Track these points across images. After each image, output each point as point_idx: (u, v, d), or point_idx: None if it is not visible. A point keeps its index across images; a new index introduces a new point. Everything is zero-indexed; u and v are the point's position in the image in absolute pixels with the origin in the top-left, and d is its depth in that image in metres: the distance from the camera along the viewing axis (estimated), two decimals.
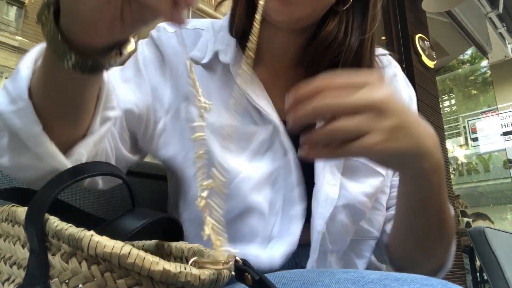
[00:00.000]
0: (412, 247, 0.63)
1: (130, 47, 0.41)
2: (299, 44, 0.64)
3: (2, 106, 0.42)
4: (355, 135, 0.42)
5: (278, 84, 0.65)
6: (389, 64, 0.73)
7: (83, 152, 0.46)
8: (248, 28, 0.48)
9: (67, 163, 0.44)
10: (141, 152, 0.67)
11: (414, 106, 0.73)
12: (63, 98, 0.43)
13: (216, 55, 0.64)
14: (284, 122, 0.62)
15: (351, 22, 0.60)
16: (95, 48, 0.38)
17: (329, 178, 0.60)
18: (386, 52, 0.72)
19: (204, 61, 0.64)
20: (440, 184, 0.51)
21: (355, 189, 0.61)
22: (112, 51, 0.40)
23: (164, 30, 0.67)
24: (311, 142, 0.44)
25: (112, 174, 0.42)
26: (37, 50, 0.44)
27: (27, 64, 0.43)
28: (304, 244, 0.60)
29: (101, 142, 0.50)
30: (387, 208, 0.70)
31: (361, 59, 0.61)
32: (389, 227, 0.68)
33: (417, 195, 0.53)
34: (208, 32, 0.67)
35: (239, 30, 0.62)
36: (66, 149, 0.45)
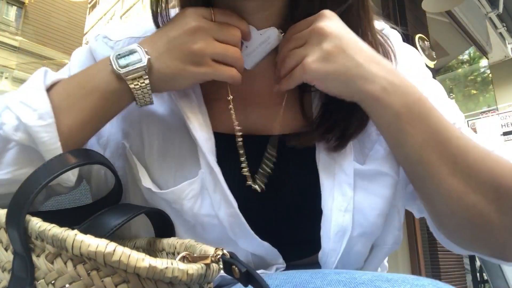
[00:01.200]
0: (454, 221, 0.51)
1: None
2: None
3: (30, 121, 0.44)
4: (300, 60, 0.49)
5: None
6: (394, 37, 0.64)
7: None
8: None
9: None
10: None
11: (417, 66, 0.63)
12: (96, 123, 0.49)
13: None
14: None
15: None
16: None
17: (339, 202, 0.51)
18: (384, 25, 0.64)
19: None
20: (412, 110, 0.47)
21: (371, 211, 0.52)
22: None
23: (102, 40, 0.58)
24: (277, 76, 0.53)
25: (98, 162, 0.41)
26: (42, 75, 0.48)
27: (39, 86, 0.47)
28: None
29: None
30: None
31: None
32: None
33: (393, 130, 0.48)
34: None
35: None
36: None
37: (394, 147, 0.51)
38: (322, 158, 0.53)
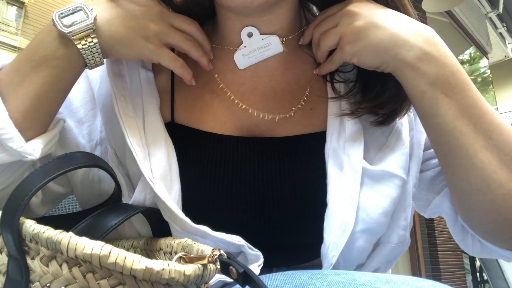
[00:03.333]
0: (479, 202, 0.49)
1: None
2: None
3: None
4: (335, 40, 0.52)
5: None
6: None
7: (40, 142, 0.47)
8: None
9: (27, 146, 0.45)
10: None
11: None
12: (43, 94, 0.46)
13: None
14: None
15: None
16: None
17: (345, 196, 0.51)
18: None
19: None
20: (448, 81, 0.47)
21: (375, 209, 0.52)
22: None
23: None
24: (318, 61, 0.57)
25: (95, 165, 0.40)
26: None
27: None
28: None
29: (53, 141, 0.51)
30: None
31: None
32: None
33: (427, 99, 0.48)
34: None
35: None
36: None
37: (427, 117, 0.50)
38: (332, 150, 0.54)
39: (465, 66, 6.83)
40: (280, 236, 0.53)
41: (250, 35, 0.55)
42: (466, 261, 2.91)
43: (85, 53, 0.46)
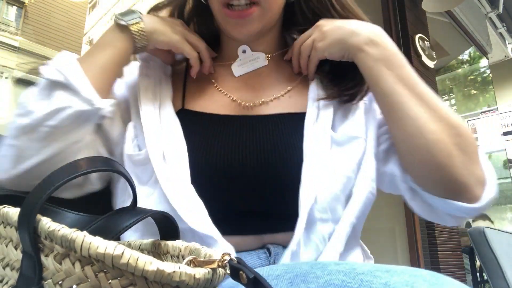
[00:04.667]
0: (417, 149, 0.62)
1: None
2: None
3: (58, 66, 0.62)
4: (311, 46, 0.73)
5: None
6: None
7: (109, 101, 0.64)
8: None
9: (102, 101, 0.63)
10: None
11: None
12: (107, 69, 0.66)
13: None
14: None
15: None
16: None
17: (319, 151, 0.65)
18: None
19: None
20: (389, 59, 0.66)
21: (342, 159, 0.66)
22: None
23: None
24: (301, 68, 0.77)
25: (111, 170, 0.41)
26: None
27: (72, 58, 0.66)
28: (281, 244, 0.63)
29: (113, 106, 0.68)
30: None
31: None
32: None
33: (374, 71, 0.66)
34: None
35: None
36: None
37: (374, 85, 0.67)
38: (309, 124, 0.68)
39: (465, 66, 6.83)
40: (264, 190, 0.64)
41: (244, 51, 0.77)
42: (466, 261, 2.91)
43: (135, 36, 0.67)
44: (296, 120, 0.70)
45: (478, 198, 0.61)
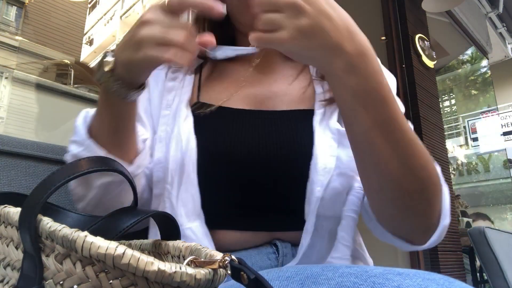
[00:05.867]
0: (383, 199, 0.58)
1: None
2: None
3: (76, 151, 0.61)
4: (272, 28, 0.48)
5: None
6: None
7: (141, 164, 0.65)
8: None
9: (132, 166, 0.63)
10: None
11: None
12: (115, 128, 0.60)
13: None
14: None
15: None
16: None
17: (327, 150, 0.64)
18: None
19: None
20: (368, 95, 0.50)
21: (347, 158, 0.64)
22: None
23: None
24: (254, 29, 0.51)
25: (111, 170, 0.41)
26: (82, 114, 0.64)
27: (80, 121, 0.63)
28: (290, 242, 0.65)
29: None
30: None
31: None
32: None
33: (347, 107, 0.52)
34: None
35: None
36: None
37: (345, 122, 0.56)
38: (318, 119, 0.68)
39: (465, 66, 6.83)
40: (273, 183, 0.64)
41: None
42: (466, 261, 2.91)
43: (107, 87, 0.55)
44: (306, 115, 0.70)
45: (424, 243, 0.62)
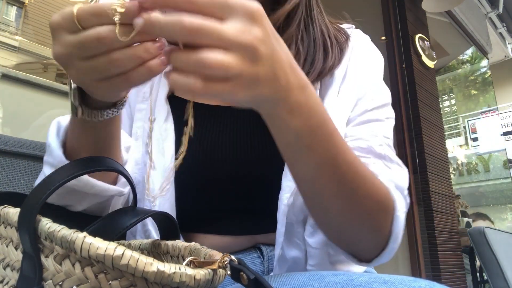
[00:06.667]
0: (329, 226, 0.57)
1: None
2: None
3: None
4: (222, 76, 0.34)
5: None
6: (355, 37, 0.73)
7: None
8: None
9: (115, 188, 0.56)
10: None
11: (375, 70, 0.72)
12: (94, 147, 0.51)
13: None
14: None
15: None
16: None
17: None
18: (351, 25, 0.75)
19: None
20: (313, 133, 0.45)
21: None
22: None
23: None
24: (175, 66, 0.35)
25: (111, 169, 0.41)
26: (54, 127, 0.56)
27: (53, 138, 0.54)
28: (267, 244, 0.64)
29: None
30: None
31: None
32: None
33: (291, 150, 0.47)
34: None
35: None
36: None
37: (289, 164, 0.50)
38: None
39: (465, 66, 6.84)
40: (247, 187, 0.63)
41: None
42: (466, 261, 2.91)
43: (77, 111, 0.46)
44: None
45: (370, 262, 0.61)
